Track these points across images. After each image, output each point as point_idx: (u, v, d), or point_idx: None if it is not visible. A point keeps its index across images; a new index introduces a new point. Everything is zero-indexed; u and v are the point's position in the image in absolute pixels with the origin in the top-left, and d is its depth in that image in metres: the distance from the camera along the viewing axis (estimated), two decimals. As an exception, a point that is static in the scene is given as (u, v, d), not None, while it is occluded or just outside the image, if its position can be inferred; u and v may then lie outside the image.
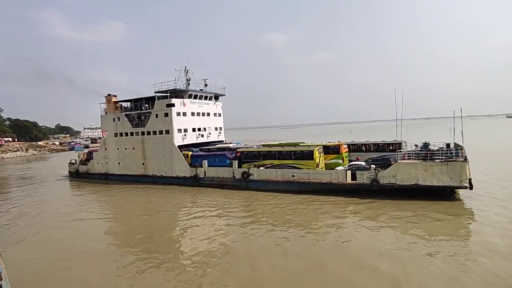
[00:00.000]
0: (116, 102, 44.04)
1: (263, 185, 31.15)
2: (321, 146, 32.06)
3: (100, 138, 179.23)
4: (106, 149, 44.62)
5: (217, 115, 45.45)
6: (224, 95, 45.51)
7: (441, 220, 20.11)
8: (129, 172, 41.94)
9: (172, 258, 16.67)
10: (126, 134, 42.06)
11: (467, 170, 23.98)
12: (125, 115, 42.23)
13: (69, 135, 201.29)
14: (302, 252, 16.38)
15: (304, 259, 15.52)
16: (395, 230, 18.79)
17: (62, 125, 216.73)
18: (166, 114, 37.90)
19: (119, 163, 43.08)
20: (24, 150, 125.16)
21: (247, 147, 36.19)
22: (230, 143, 43.92)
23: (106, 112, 44.79)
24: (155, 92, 39.01)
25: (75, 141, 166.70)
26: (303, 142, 36.25)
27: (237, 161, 33.48)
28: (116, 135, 43.17)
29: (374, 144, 34.31)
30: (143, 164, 40.57)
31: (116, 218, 26.45)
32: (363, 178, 27.00)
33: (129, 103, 43.88)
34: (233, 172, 33.03)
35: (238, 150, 34.81)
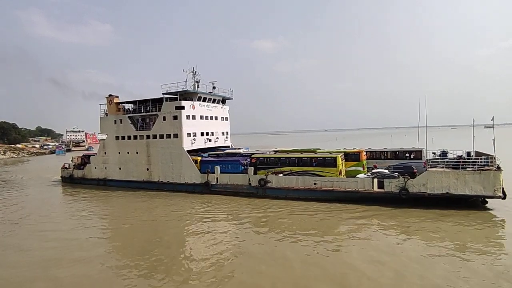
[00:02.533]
0: (118, 104, 41.49)
1: (282, 193, 29.66)
2: (343, 153, 31.00)
3: (83, 141, 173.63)
4: (105, 153, 41.81)
5: (224, 119, 43.77)
6: (231, 98, 43.93)
7: (476, 230, 19.52)
8: (131, 178, 39.38)
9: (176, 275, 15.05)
10: (129, 137, 39.52)
11: (501, 179, 23.51)
12: (128, 117, 39.77)
13: (50, 138, 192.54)
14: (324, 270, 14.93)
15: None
16: (426, 242, 17.93)
17: (43, 127, 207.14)
18: (175, 117, 35.85)
19: (120, 168, 40.40)
20: (2, 153, 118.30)
21: (262, 153, 34.61)
22: (239, 148, 42.25)
23: (106, 114, 42.11)
24: (163, 94, 36.90)
25: (57, 144, 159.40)
26: (319, 148, 35.24)
27: (252, 167, 31.89)
28: (117, 138, 40.50)
29: (392, 152, 33.61)
30: (147, 169, 38.16)
31: (118, 227, 24.15)
32: (391, 186, 26.06)
33: (132, 105, 41.48)
34: (249, 179, 31.37)
35: (253, 156, 33.20)
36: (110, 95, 41.77)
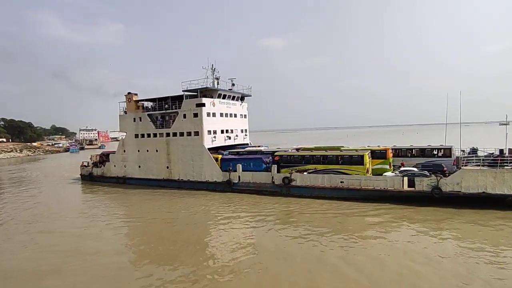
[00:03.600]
0: (137, 101, 41.37)
1: (307, 191, 28.98)
2: (369, 151, 30.15)
3: (96, 139, 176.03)
4: (124, 151, 41.79)
5: (243, 116, 43.27)
6: (250, 95, 43.39)
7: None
8: (151, 176, 39.27)
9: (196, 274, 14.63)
10: (149, 135, 39.38)
11: (542, 178, 22.37)
12: (148, 115, 39.63)
13: (64, 136, 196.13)
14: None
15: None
16: (465, 244, 17.00)
17: (57, 126, 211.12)
18: (196, 115, 35.47)
19: (139, 166, 40.34)
20: (18, 151, 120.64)
21: (285, 151, 33.97)
22: (260, 146, 41.72)
23: (125, 112, 42.06)
24: (183, 91, 36.57)
25: (71, 142, 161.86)
26: (343, 146, 34.47)
27: (275, 165, 31.30)
28: (136, 136, 40.44)
29: (419, 149, 32.56)
30: (167, 167, 37.95)
31: (135, 226, 23.89)
32: (423, 185, 25.15)
33: (151, 103, 41.32)
34: (272, 177, 30.79)
35: (276, 154, 32.61)
36: (129, 93, 41.70)
